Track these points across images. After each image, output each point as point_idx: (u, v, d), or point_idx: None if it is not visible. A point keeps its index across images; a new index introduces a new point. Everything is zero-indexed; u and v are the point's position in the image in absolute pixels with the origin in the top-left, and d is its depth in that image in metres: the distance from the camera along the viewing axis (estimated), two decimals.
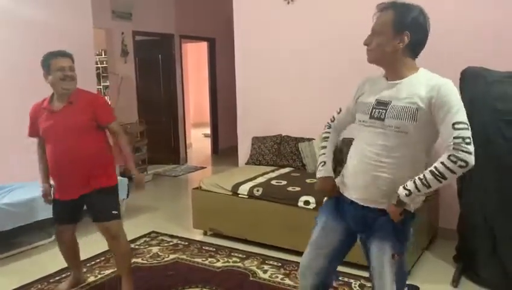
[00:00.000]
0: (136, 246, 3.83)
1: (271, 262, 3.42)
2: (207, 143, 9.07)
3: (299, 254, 3.48)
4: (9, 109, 4.25)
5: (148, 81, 7.33)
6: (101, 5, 6.02)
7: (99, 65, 7.36)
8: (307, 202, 3.41)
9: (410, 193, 1.71)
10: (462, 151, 1.64)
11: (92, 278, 3.23)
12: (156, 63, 7.43)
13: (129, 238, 3.95)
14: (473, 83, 3.00)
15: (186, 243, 3.86)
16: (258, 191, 3.69)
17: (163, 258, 3.58)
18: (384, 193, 1.80)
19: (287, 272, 3.24)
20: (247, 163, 4.76)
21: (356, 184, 1.87)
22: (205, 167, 7.44)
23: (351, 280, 3.07)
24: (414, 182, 1.71)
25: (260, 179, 3.91)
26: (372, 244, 1.87)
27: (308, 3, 4.41)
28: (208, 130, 9.24)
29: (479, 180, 2.87)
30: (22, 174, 4.30)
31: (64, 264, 3.40)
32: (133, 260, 3.53)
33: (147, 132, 6.91)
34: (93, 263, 3.49)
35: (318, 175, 2.08)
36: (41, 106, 2.78)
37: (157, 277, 3.25)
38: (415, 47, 1.83)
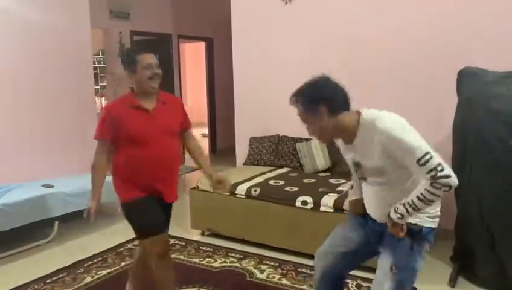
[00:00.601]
0: (133, 247, 3.82)
1: (268, 262, 3.42)
2: (205, 143, 9.04)
3: (297, 254, 3.50)
4: (5, 109, 4.23)
5: None
6: (99, 5, 6.00)
7: (96, 65, 7.36)
8: (304, 202, 3.41)
9: (402, 216, 1.77)
10: (441, 178, 1.69)
11: (88, 279, 3.22)
12: None
13: (126, 238, 3.97)
14: (470, 84, 3.01)
15: (184, 243, 3.85)
16: (255, 191, 3.69)
17: None
18: None
19: (284, 272, 3.24)
20: (245, 163, 4.75)
21: (374, 215, 2.00)
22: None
23: (348, 280, 3.07)
24: (404, 206, 1.76)
25: (258, 179, 3.91)
26: (380, 254, 1.96)
27: (305, 3, 4.41)
28: (205, 130, 9.23)
29: (475, 180, 2.88)
30: (19, 175, 4.29)
31: (62, 265, 3.40)
32: (130, 260, 3.53)
33: None
34: (90, 263, 3.48)
35: (349, 199, 2.21)
36: (127, 105, 2.41)
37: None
38: (338, 106, 1.85)
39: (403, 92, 3.95)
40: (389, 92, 4.02)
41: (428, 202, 1.73)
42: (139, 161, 2.38)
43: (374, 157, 1.78)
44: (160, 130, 2.41)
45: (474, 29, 3.58)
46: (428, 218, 1.93)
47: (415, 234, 1.87)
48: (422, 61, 3.84)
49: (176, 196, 2.55)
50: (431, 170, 1.69)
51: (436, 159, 1.72)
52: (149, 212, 2.42)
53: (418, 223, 1.88)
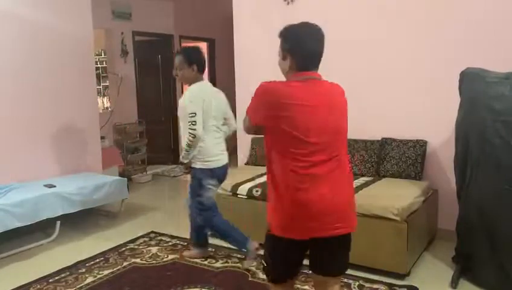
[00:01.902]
0: (135, 246, 3.83)
1: None
2: None
3: None
4: (7, 109, 4.24)
5: (147, 82, 7.33)
6: (101, 5, 6.02)
7: (98, 65, 7.35)
8: None
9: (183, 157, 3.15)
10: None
11: (90, 279, 3.23)
12: (155, 63, 7.44)
13: (128, 238, 3.98)
14: (472, 84, 3.01)
15: (185, 243, 3.85)
16: (257, 191, 3.69)
17: (162, 258, 3.58)
18: None
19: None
20: (247, 163, 4.75)
21: None
22: None
23: (350, 281, 3.07)
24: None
25: (259, 180, 3.91)
26: None
27: (307, 3, 4.41)
28: None
29: (477, 181, 2.88)
30: (20, 175, 4.31)
31: (63, 265, 3.41)
32: (132, 260, 3.53)
33: (147, 132, 6.91)
34: (92, 263, 3.49)
35: None
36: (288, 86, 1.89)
37: (156, 277, 3.25)
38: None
39: (405, 93, 3.95)
40: (390, 92, 4.02)
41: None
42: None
43: None
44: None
45: (477, 30, 3.57)
46: (199, 162, 3.22)
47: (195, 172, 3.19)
48: (425, 61, 3.83)
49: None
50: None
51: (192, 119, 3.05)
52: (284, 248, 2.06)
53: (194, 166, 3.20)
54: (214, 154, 3.25)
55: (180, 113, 3.27)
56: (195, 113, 3.09)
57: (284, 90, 1.81)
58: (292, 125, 1.77)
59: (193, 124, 3.09)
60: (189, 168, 3.31)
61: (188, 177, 3.47)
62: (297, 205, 1.82)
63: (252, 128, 1.94)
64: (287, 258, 1.97)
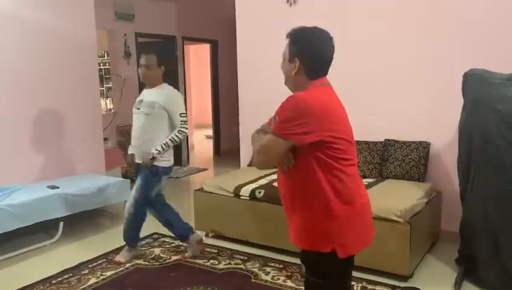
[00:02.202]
0: (138, 248, 3.83)
1: (273, 264, 3.42)
2: (209, 145, 9.07)
3: None
4: (10, 110, 4.26)
5: None
6: (104, 7, 6.03)
7: (101, 67, 7.38)
8: None
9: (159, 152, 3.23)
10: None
11: (93, 280, 3.23)
12: None
13: None
14: (475, 85, 3.00)
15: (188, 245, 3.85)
16: (260, 193, 3.69)
17: (165, 259, 3.58)
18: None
19: (289, 274, 3.24)
20: (249, 165, 4.75)
21: None
22: (207, 169, 7.43)
23: (353, 283, 3.06)
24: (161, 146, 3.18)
25: (262, 181, 3.91)
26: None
27: (310, 5, 4.41)
28: (210, 132, 9.24)
29: (480, 182, 2.87)
30: (23, 176, 4.32)
31: (66, 266, 3.42)
32: (135, 261, 3.53)
33: None
34: (95, 264, 3.49)
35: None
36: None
37: (159, 279, 3.25)
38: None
39: (408, 94, 3.94)
40: (394, 94, 4.01)
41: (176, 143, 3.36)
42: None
43: None
44: None
45: (480, 31, 3.57)
46: (164, 161, 3.37)
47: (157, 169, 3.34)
48: (428, 62, 3.83)
49: (293, 239, 1.85)
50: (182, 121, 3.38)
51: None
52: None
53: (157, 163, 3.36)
54: (172, 152, 3.47)
55: (149, 110, 3.32)
56: (185, 114, 3.38)
57: (325, 99, 1.72)
58: (342, 132, 1.69)
59: (186, 123, 3.36)
60: (149, 165, 3.33)
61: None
62: (364, 213, 1.78)
63: (283, 152, 1.66)
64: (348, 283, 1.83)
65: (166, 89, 3.43)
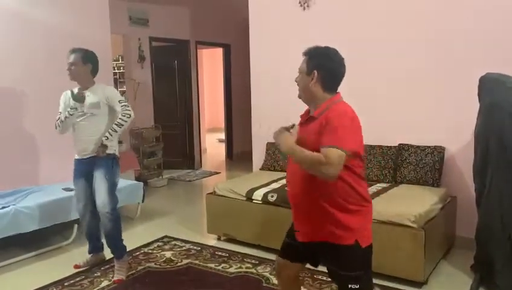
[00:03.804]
0: (149, 251, 3.85)
1: None
2: (221, 148, 9.09)
3: None
4: (26, 112, 4.32)
5: (164, 87, 7.40)
6: (119, 11, 6.11)
7: (116, 71, 7.46)
8: None
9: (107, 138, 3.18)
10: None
11: (105, 283, 3.25)
12: (172, 68, 7.50)
13: (142, 242, 4.00)
14: (492, 89, 2.95)
15: (199, 248, 3.86)
16: (272, 197, 3.67)
17: (177, 263, 3.58)
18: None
19: (300, 278, 3.21)
20: (262, 168, 4.75)
21: None
22: (219, 172, 7.45)
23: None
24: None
25: (274, 185, 3.90)
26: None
27: (323, 9, 4.39)
28: (222, 136, 9.27)
29: (496, 188, 2.81)
30: (40, 178, 4.37)
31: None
32: (146, 264, 3.55)
33: (163, 137, 6.96)
34: (107, 266, 3.51)
35: None
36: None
37: (169, 282, 3.25)
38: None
39: (422, 98, 3.90)
40: (409, 99, 3.97)
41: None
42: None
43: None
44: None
45: (496, 35, 3.51)
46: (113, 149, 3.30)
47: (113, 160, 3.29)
48: (443, 67, 3.78)
49: (312, 236, 2.02)
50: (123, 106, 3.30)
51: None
52: None
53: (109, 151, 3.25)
54: (117, 142, 3.44)
55: (97, 111, 3.25)
56: (123, 99, 3.36)
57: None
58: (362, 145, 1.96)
59: (127, 106, 3.28)
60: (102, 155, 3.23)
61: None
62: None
63: (343, 162, 1.80)
64: None
65: (100, 86, 3.36)
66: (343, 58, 2.02)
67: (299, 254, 2.16)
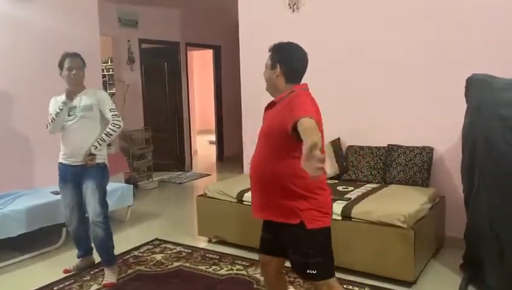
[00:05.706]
0: (140, 254, 3.82)
1: None
2: (212, 150, 9.07)
3: None
4: (14, 114, 4.28)
5: (154, 89, 7.37)
6: (108, 13, 6.07)
7: (105, 73, 7.41)
8: None
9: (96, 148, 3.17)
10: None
11: (95, 286, 3.22)
12: (161, 70, 7.48)
13: (132, 245, 3.98)
14: (478, 90, 2.99)
15: (190, 251, 3.84)
16: None
17: (167, 265, 3.57)
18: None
19: (291, 280, 3.21)
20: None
21: None
22: (210, 174, 7.43)
23: (356, 288, 3.04)
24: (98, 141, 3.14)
25: None
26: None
27: (312, 10, 4.41)
28: (213, 137, 9.26)
29: (484, 188, 2.85)
30: (27, 182, 4.33)
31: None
32: (136, 267, 3.53)
33: (153, 139, 6.93)
34: (97, 270, 3.48)
35: None
36: None
37: (160, 285, 3.24)
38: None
39: (411, 99, 3.93)
40: (398, 100, 4.00)
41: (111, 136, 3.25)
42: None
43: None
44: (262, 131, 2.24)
45: (483, 36, 3.56)
46: (103, 158, 3.31)
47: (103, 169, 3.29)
48: (432, 69, 3.82)
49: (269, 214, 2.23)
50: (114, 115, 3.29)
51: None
52: None
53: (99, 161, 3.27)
54: (106, 151, 3.43)
55: (89, 114, 3.24)
56: (115, 108, 3.35)
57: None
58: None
59: (118, 116, 3.29)
60: (91, 162, 3.20)
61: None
62: None
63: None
64: None
65: (91, 89, 3.37)
66: (306, 53, 2.18)
67: (272, 246, 2.26)
